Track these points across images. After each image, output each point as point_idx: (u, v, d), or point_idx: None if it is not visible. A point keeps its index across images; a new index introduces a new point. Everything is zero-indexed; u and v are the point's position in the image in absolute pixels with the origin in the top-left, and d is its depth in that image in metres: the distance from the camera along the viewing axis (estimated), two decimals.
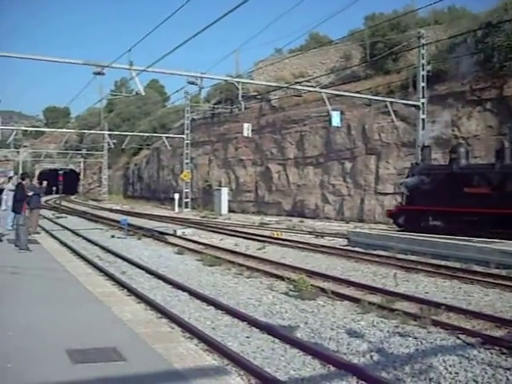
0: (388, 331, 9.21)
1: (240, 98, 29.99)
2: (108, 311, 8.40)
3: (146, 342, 6.65)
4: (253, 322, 9.70)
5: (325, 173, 39.82)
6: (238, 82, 28.60)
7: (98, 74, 22.77)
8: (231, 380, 5.41)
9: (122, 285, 13.15)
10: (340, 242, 22.95)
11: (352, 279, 14.23)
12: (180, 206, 50.14)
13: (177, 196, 51.05)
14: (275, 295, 12.37)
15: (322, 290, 12.38)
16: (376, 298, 11.57)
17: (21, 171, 59.84)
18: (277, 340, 8.68)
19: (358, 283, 13.53)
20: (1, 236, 19.01)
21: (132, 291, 12.36)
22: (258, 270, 15.68)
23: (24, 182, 17.46)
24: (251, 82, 37.13)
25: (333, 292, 12.12)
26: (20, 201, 16.66)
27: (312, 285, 12.54)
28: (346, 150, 37.95)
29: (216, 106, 52.87)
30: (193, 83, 26.38)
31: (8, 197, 19.70)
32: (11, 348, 6.42)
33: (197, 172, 54.73)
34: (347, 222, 34.53)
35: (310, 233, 27.73)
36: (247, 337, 8.94)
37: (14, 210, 17.28)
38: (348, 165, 37.83)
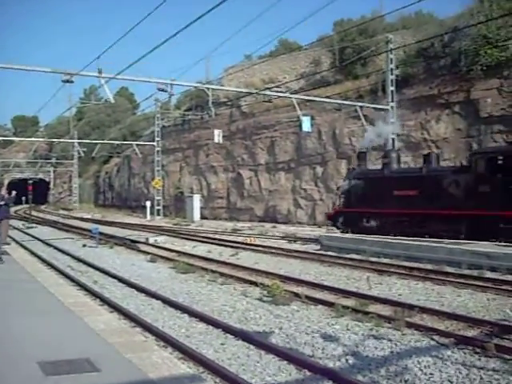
0: (363, 334, 9.24)
1: (210, 105, 29.94)
2: (80, 321, 8.28)
3: (120, 352, 6.56)
4: (227, 329, 9.65)
5: (296, 178, 39.96)
6: (208, 89, 28.59)
7: (67, 81, 22.57)
8: None
9: (94, 294, 12.99)
10: (313, 247, 23.02)
11: (326, 283, 14.27)
12: (152, 213, 49.85)
13: (148, 204, 50.72)
14: (249, 301, 12.32)
15: (296, 294, 12.38)
16: (350, 302, 11.60)
17: None
18: (252, 346, 8.64)
19: (331, 287, 13.56)
20: None
21: (105, 301, 12.21)
22: (231, 277, 15.63)
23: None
24: (221, 88, 37.08)
25: (307, 297, 12.13)
26: None
27: (286, 290, 12.54)
28: (316, 154, 38.14)
29: (186, 113, 52.72)
30: (163, 90, 26.22)
31: None
32: None
33: (168, 179, 54.53)
34: (320, 227, 34.61)
35: (283, 238, 27.77)
36: (222, 344, 8.89)
37: None
38: (319, 169, 38.02)
